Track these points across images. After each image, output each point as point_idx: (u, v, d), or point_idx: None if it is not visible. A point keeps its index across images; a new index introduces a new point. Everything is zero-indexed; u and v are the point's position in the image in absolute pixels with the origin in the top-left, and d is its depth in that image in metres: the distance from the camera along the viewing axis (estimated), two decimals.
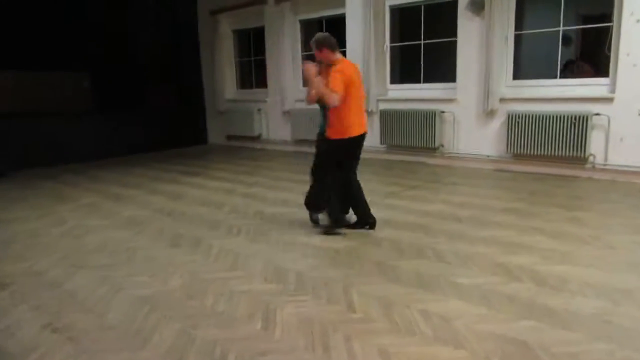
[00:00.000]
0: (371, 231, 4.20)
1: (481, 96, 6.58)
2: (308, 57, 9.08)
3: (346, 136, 3.97)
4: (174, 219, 4.95)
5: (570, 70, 8.65)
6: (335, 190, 4.10)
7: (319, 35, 4.04)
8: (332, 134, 4.00)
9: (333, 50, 3.99)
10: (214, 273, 3.46)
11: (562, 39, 9.27)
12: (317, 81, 3.88)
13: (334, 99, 3.73)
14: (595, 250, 3.57)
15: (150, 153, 9.70)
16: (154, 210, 5.29)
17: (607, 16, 6.15)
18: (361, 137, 4.09)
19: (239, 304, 2.93)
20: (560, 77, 6.28)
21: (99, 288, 3.25)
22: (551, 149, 5.97)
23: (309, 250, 3.84)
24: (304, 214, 4.51)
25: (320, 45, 3.97)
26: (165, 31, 10.18)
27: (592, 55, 6.48)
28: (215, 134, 10.89)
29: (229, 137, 10.40)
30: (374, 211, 4.27)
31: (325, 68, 4.00)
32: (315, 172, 4.31)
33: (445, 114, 6.96)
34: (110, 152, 9.25)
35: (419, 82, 7.51)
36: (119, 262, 3.77)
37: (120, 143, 9.46)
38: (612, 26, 5.63)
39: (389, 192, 5.58)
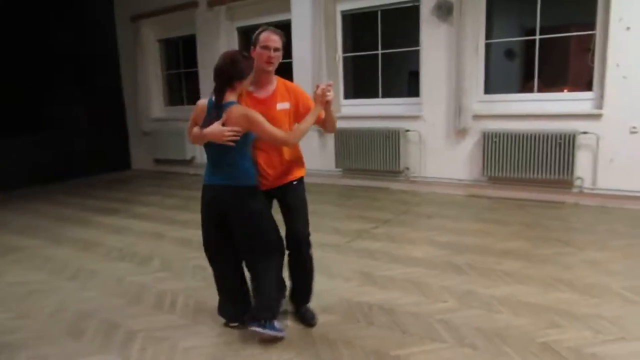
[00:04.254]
0: (350, 298, 3.17)
1: (451, 113, 5.79)
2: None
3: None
4: (79, 285, 3.64)
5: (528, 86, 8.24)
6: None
7: None
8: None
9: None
10: None
11: (505, 52, 8.97)
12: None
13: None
14: None
15: (60, 184, 8.10)
16: (52, 272, 3.93)
17: (557, 27, 5.64)
18: None
19: None
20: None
21: None
22: (534, 171, 5.26)
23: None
24: None
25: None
26: (80, 41, 8.64)
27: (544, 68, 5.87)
28: (140, 158, 9.44)
29: (157, 161, 9.00)
30: (342, 258, 3.23)
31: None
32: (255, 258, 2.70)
33: (410, 132, 6.12)
34: (4, 184, 7.54)
35: (377, 96, 6.65)
36: None
37: (19, 172, 7.75)
38: (595, 34, 5.03)
39: (358, 231, 4.60)
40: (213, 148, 2.54)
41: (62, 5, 8.30)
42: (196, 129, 2.58)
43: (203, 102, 2.62)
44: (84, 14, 8.72)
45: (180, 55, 8.92)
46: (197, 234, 2.68)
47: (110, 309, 3.16)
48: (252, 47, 2.63)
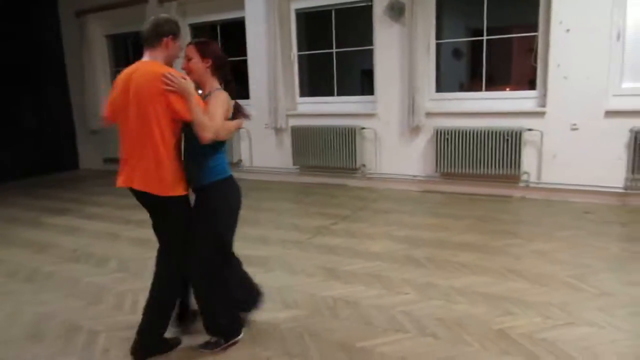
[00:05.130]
0: (314, 293, 3.23)
1: (405, 110, 5.95)
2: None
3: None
4: (35, 288, 3.52)
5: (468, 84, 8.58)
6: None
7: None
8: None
9: (144, 45, 2.49)
10: None
11: (453, 52, 9.31)
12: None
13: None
14: (594, 299, 2.96)
15: (7, 184, 7.69)
16: (7, 275, 3.79)
17: (501, 28, 5.91)
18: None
19: None
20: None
21: None
22: (483, 167, 5.49)
23: (249, 330, 2.76)
24: None
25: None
26: (24, 37, 8.20)
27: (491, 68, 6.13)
28: (88, 157, 9.09)
29: (107, 161, 8.71)
30: (304, 254, 3.28)
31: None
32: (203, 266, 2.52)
33: (365, 130, 6.24)
34: None
35: (332, 94, 6.73)
36: None
37: None
38: (537, 36, 5.31)
39: (318, 227, 4.66)
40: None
41: (2, 1, 7.87)
42: (234, 123, 2.52)
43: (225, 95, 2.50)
44: (27, 9, 8.30)
45: (130, 51, 8.66)
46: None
47: (69, 311, 3.08)
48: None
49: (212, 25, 7.61)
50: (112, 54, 8.76)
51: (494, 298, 3.02)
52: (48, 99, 8.65)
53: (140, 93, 2.31)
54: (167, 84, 2.28)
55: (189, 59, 2.49)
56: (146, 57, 2.43)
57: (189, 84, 2.34)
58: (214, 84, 2.52)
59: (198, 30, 7.73)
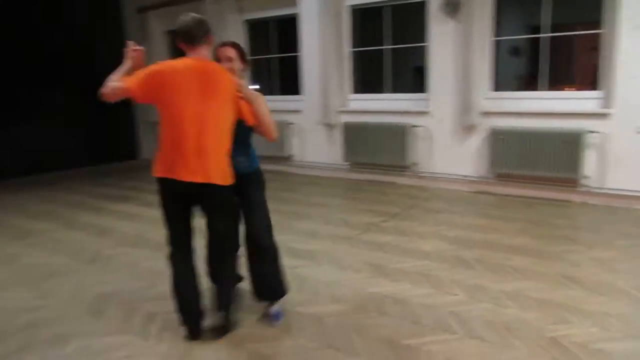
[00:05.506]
0: (362, 289, 3.25)
1: (459, 109, 5.84)
2: (256, 62, 8.08)
3: (154, 173, 2.57)
4: (97, 269, 3.74)
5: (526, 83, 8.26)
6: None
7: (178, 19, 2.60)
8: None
9: (188, 44, 2.54)
10: None
11: (511, 50, 8.99)
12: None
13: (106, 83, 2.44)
14: None
15: (68, 171, 8.18)
16: (72, 255, 4.04)
17: (564, 26, 5.64)
18: (172, 185, 2.50)
19: None
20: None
21: None
22: (541, 169, 5.31)
23: (295, 322, 2.82)
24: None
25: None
26: (86, 31, 8.66)
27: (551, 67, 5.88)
28: (147, 148, 9.51)
29: None
30: (353, 250, 3.30)
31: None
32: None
33: (417, 128, 6.17)
34: (19, 170, 7.64)
35: (384, 91, 6.69)
36: (6, 353, 2.56)
37: (34, 159, 7.86)
38: (602, 33, 5.06)
39: (367, 224, 4.66)
40: None
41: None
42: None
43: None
44: (92, 5, 8.75)
45: None
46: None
47: (128, 292, 3.26)
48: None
49: (266, 22, 7.73)
50: (171, 50, 9.08)
51: (547, 304, 2.93)
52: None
53: (221, 94, 2.48)
54: (239, 91, 2.52)
55: (229, 60, 2.64)
56: (194, 54, 2.51)
57: (258, 94, 2.61)
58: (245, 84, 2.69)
59: (252, 26, 7.88)
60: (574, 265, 3.52)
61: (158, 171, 2.52)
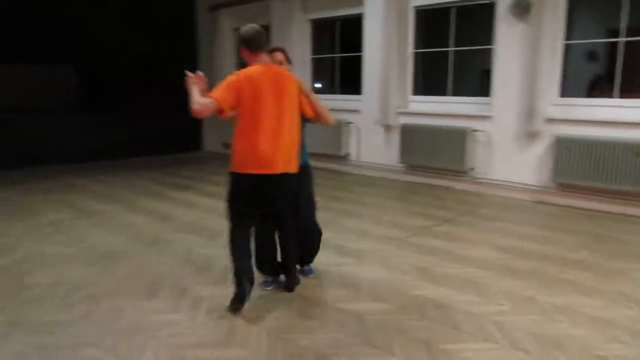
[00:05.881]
0: (406, 290, 3.23)
1: (523, 115, 5.63)
2: (318, 61, 8.18)
3: (234, 170, 2.87)
4: (156, 251, 3.95)
5: (599, 88, 7.77)
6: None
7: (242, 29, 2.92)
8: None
9: (252, 51, 2.86)
10: (202, 348, 2.48)
11: (588, 54, 8.50)
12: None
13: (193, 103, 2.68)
14: None
15: (136, 159, 8.67)
16: (132, 237, 4.30)
17: None
18: (253, 180, 2.81)
19: None
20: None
21: None
22: (608, 181, 5.02)
23: (337, 317, 2.86)
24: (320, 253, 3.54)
25: (240, 43, 2.93)
26: (160, 28, 9.13)
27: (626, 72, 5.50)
28: (211, 141, 9.89)
29: (226, 145, 9.38)
30: (401, 252, 3.31)
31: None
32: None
33: (477, 132, 6.01)
34: (90, 155, 8.22)
35: (445, 94, 6.57)
36: (69, 320, 2.78)
37: (104, 146, 8.43)
38: None
39: (418, 227, 4.61)
40: None
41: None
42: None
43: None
44: (170, 8, 9.23)
45: None
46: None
47: (181, 276, 3.43)
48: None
49: (332, 21, 7.80)
50: (238, 46, 9.38)
51: (601, 322, 2.78)
52: (180, 86, 9.50)
53: (290, 93, 2.85)
54: (302, 89, 2.94)
55: (280, 63, 3.05)
56: (258, 60, 2.86)
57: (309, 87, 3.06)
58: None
59: (316, 25, 7.97)
60: (637, 285, 3.32)
61: (237, 167, 2.84)
